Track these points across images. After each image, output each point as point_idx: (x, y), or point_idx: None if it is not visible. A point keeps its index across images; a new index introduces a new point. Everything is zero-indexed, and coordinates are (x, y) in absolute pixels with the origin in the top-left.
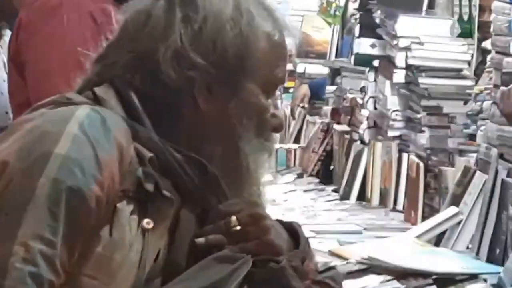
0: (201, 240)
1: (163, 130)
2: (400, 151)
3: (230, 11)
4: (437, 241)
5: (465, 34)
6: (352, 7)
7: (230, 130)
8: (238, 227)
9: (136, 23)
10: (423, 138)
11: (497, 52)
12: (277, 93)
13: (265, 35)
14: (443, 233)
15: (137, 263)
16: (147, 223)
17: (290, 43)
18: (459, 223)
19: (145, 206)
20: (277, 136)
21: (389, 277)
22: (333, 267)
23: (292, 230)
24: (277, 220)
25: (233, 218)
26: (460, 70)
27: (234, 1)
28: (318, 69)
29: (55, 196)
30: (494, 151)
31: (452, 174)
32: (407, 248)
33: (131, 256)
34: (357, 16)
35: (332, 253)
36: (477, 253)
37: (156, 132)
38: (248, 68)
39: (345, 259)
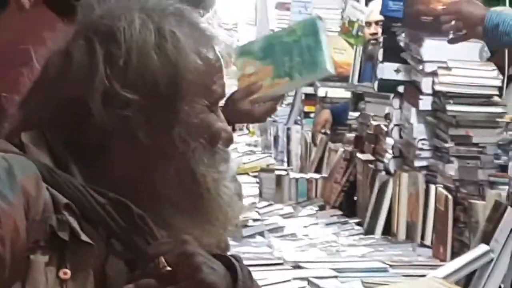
0: (130, 286)
1: (95, 175)
2: (428, 183)
3: (153, 38)
4: (467, 281)
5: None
6: (368, 32)
7: (180, 156)
8: (168, 268)
9: (57, 67)
10: (452, 169)
11: None
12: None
13: (194, 53)
14: (473, 273)
15: None
16: (64, 273)
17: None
18: (490, 262)
19: (62, 255)
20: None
21: None
22: None
23: (230, 265)
24: (214, 254)
25: (162, 259)
26: (490, 96)
27: (155, 26)
28: (340, 93)
29: None
30: None
31: (482, 208)
32: None
33: None
34: (381, 39)
35: None
36: None
37: (86, 178)
38: (183, 92)
39: None
